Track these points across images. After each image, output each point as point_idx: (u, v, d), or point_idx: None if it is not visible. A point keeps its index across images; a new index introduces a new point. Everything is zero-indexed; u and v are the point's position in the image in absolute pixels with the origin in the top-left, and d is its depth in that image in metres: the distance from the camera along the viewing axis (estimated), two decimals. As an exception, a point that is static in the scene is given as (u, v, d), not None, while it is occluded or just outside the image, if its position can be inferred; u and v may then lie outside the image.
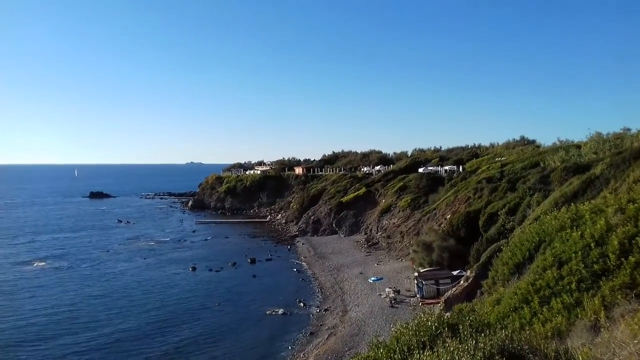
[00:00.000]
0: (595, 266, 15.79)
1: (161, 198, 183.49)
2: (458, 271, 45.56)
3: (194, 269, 65.43)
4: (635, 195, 19.83)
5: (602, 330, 11.29)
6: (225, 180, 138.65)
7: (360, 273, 58.38)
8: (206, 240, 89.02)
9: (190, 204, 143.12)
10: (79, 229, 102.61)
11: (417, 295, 46.93)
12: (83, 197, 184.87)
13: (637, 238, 15.52)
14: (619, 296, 13.35)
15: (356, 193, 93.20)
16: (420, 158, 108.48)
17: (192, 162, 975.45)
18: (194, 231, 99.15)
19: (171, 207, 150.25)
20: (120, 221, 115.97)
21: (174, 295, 53.05)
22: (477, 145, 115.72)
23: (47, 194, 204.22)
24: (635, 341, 6.24)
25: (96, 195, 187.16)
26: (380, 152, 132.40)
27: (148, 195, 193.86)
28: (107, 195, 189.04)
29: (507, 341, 7.83)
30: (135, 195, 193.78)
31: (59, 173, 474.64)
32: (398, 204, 79.69)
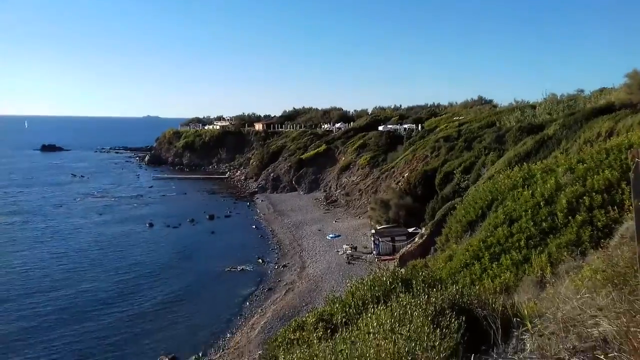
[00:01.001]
0: (544, 224, 16.37)
1: (117, 152, 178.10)
2: (414, 228, 46.55)
3: (151, 225, 64.66)
4: (584, 155, 20.47)
5: (547, 285, 11.78)
6: (183, 135, 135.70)
7: (319, 230, 58.99)
8: (163, 196, 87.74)
9: (147, 158, 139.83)
10: (30, 183, 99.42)
11: (374, 252, 47.87)
12: (34, 150, 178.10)
13: (584, 197, 16.11)
14: (565, 253, 13.89)
15: (316, 150, 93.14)
16: (380, 116, 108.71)
17: (149, 115, 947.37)
18: (150, 187, 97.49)
19: (127, 161, 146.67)
20: (74, 175, 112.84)
21: (131, 253, 52.43)
22: (436, 105, 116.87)
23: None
24: (578, 296, 6.50)
25: (48, 148, 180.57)
26: (340, 110, 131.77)
27: (103, 149, 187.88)
28: (60, 149, 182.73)
29: (457, 296, 8.06)
30: (89, 149, 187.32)
31: (7, 124, 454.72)
32: (357, 162, 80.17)
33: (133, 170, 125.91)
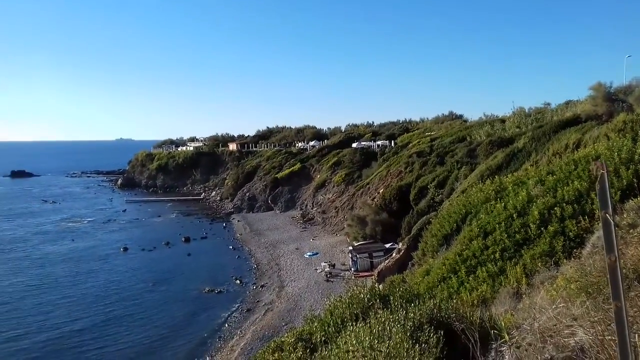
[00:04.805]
0: (518, 236, 16.56)
1: (88, 176, 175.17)
2: (390, 244, 46.73)
3: (125, 249, 63.50)
4: (554, 167, 20.88)
5: (523, 296, 11.91)
6: (156, 157, 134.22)
7: (297, 248, 58.73)
8: (137, 219, 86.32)
9: (119, 182, 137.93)
10: (0, 210, 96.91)
11: (352, 269, 47.82)
12: (4, 176, 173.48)
13: (555, 208, 16.36)
14: (539, 264, 14.08)
15: (291, 169, 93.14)
16: (353, 133, 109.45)
17: (121, 138, 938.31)
18: (124, 210, 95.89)
19: (100, 185, 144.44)
20: (45, 201, 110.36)
21: (106, 278, 51.33)
22: (408, 120, 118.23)
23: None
24: (554, 306, 6.58)
25: (18, 174, 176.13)
26: (314, 128, 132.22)
27: (74, 173, 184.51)
28: (30, 174, 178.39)
29: (435, 310, 8.09)
30: (60, 173, 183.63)
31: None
32: (332, 179, 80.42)
33: (106, 194, 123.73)
